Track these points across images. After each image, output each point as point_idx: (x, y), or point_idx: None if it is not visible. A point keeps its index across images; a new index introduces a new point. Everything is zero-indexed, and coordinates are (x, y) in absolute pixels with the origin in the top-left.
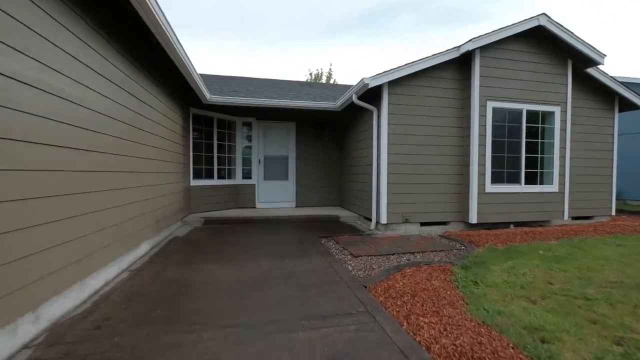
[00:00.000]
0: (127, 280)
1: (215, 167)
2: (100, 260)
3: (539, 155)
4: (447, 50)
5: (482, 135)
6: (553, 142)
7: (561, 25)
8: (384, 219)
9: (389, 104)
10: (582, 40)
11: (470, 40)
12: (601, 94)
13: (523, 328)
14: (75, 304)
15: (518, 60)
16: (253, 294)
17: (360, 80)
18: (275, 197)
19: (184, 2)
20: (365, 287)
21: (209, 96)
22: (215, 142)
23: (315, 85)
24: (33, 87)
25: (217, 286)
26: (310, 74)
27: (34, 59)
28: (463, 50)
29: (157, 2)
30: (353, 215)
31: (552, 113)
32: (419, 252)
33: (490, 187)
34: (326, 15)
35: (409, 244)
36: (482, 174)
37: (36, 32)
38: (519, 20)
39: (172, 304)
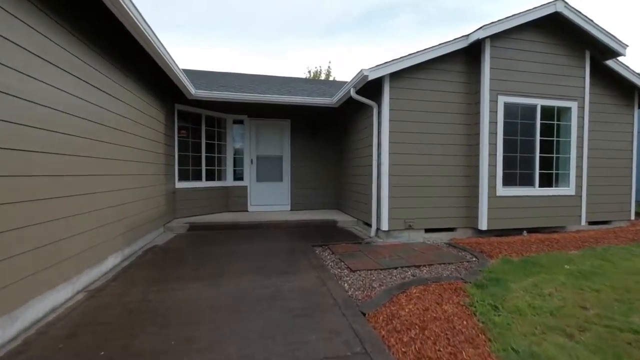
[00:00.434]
0: (79, 305)
1: (204, 167)
2: (45, 283)
3: (554, 155)
4: (454, 40)
5: (493, 133)
6: (569, 141)
7: (579, 12)
8: (385, 225)
9: (390, 98)
10: (602, 28)
11: (481, 27)
12: (619, 88)
13: None
14: None
15: (532, 51)
16: (228, 325)
17: (359, 72)
18: (269, 200)
19: (177, 2)
20: (364, 315)
21: (193, 91)
22: (204, 141)
23: (312, 82)
24: None
25: (187, 313)
26: (309, 72)
27: None
28: (472, 39)
29: None
30: (351, 220)
31: (568, 109)
32: (425, 266)
33: (501, 190)
34: (325, 15)
35: (413, 255)
36: (492, 176)
37: None
38: (534, 7)
39: (124, 341)
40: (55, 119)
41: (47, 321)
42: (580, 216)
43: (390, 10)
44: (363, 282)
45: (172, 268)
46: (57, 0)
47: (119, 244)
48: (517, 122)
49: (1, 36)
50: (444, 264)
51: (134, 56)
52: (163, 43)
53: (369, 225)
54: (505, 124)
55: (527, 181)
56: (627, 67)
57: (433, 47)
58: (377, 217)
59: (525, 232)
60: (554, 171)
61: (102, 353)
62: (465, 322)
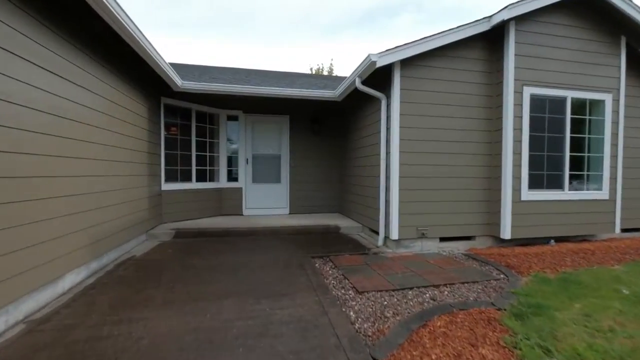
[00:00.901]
0: (7, 346)
1: (194, 167)
2: None
3: (586, 154)
4: (475, 22)
5: (517, 129)
6: (603, 138)
7: None
8: (394, 234)
9: (401, 89)
10: None
11: (505, 7)
12: None
13: None
14: None
15: (561, 36)
16: None
17: (366, 58)
18: (266, 203)
19: (175, 1)
20: None
21: (180, 82)
22: (194, 138)
23: (313, 76)
24: None
25: (143, 358)
26: (311, 69)
27: None
28: (496, 20)
29: None
30: (356, 226)
31: (601, 102)
32: (445, 285)
33: (527, 194)
34: (326, 15)
35: (430, 270)
36: (517, 178)
37: None
38: None
39: None
40: None
41: None
42: (614, 223)
43: (392, 9)
44: (373, 309)
45: (143, 287)
46: None
47: (82, 258)
48: (545, 116)
49: None
50: (467, 282)
51: (104, 39)
52: (142, 30)
53: (376, 232)
54: (531, 118)
55: (556, 184)
56: None
57: (450, 30)
58: (385, 223)
59: (552, 241)
60: (585, 172)
61: None
62: None
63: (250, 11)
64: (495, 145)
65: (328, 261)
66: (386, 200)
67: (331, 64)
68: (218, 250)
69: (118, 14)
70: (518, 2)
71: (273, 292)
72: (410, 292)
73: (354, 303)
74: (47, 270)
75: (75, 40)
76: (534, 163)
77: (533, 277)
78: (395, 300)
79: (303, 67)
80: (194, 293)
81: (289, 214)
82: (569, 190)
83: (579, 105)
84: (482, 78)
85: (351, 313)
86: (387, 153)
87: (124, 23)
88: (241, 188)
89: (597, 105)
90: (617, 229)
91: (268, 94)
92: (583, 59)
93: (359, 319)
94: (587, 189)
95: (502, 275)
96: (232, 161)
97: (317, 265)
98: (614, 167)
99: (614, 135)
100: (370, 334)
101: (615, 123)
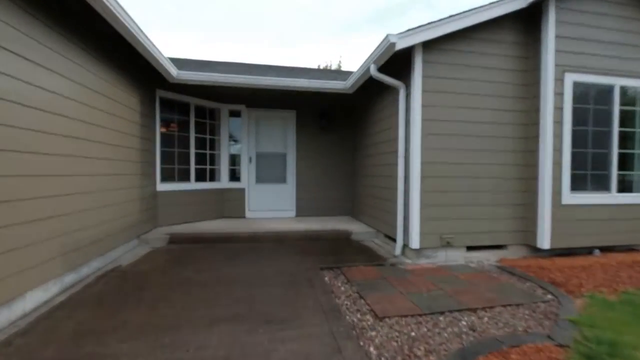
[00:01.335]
0: None
1: (193, 166)
2: None
3: (636, 151)
4: None
5: (557, 123)
6: None
7: None
8: (415, 242)
9: (423, 77)
10: None
11: None
12: None
13: None
14: None
15: (610, 15)
16: None
17: (384, 39)
18: (270, 205)
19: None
20: None
21: (175, 72)
22: (193, 135)
23: (321, 71)
24: None
25: None
26: (318, 67)
27: None
28: None
29: None
30: (369, 231)
31: None
32: (484, 309)
33: (568, 197)
34: (337, 13)
35: (461, 287)
36: (556, 178)
37: None
38: None
39: None
40: None
41: None
42: None
43: (401, 7)
44: (398, 343)
45: (120, 307)
46: None
47: (52, 271)
48: (589, 107)
49: None
50: (510, 305)
51: (79, 15)
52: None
53: (393, 239)
54: (574, 110)
55: (601, 185)
56: None
57: (480, 7)
58: (404, 230)
59: (597, 250)
60: (635, 172)
61: None
62: None
63: (258, 12)
64: (531, 140)
65: (339, 274)
66: (405, 204)
67: (339, 62)
68: (215, 260)
69: None
70: None
71: (275, 318)
72: (442, 319)
73: (373, 334)
74: (4, 288)
75: (38, 13)
76: (576, 161)
77: (589, 298)
78: (425, 329)
79: (310, 65)
80: (178, 316)
81: (295, 216)
82: (617, 192)
83: (629, 95)
84: (515, 64)
85: (371, 349)
86: (406, 150)
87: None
88: (244, 189)
89: None
90: None
91: (272, 85)
92: (635, 42)
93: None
94: (638, 192)
95: (549, 296)
96: (234, 160)
97: (327, 279)
98: None
99: None
100: None
101: None
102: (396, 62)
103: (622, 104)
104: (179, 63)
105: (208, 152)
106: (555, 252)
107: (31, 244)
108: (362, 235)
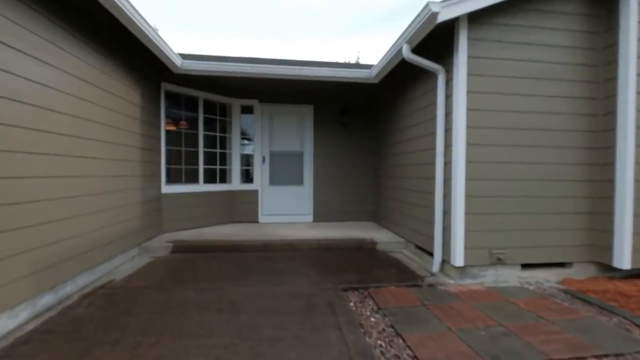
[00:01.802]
0: None
1: (201, 166)
2: None
3: None
4: None
5: None
6: None
7: None
8: (459, 258)
9: (469, 57)
10: None
11: None
12: None
13: None
14: None
15: None
16: None
17: (424, 8)
18: (285, 209)
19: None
20: None
21: (180, 62)
22: (202, 132)
23: (340, 65)
24: None
25: None
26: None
27: None
28: None
29: None
30: (397, 241)
31: None
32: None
33: None
34: (351, 12)
35: (526, 320)
36: (638, 181)
37: None
38: None
39: None
40: None
41: None
42: None
43: (416, 4)
44: None
45: (95, 342)
46: None
47: (20, 293)
48: None
49: None
50: (606, 356)
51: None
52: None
53: (428, 252)
54: None
55: None
56: None
57: None
58: (443, 242)
59: None
60: None
61: None
62: None
63: (271, 10)
64: (604, 135)
65: (367, 297)
66: (444, 211)
67: (358, 59)
68: (220, 274)
69: None
70: None
71: None
72: None
73: None
74: None
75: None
76: None
77: None
78: None
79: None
80: (163, 358)
81: (313, 221)
82: None
83: None
84: (583, 41)
85: None
86: (447, 147)
87: None
88: (257, 191)
89: None
90: None
91: (289, 75)
92: None
93: None
94: None
95: None
96: (246, 160)
97: (351, 304)
98: None
99: None
100: None
101: None
102: (434, 41)
103: None
104: (186, 58)
105: (218, 151)
106: (633, 273)
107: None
108: (388, 245)
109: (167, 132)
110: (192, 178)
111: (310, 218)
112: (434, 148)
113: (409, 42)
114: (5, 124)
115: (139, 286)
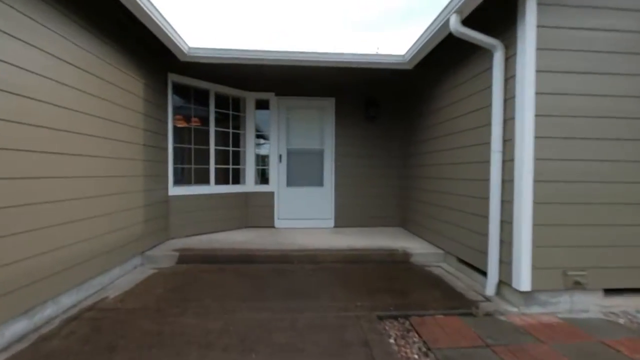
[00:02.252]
0: None
1: (212, 166)
2: None
3: None
4: None
5: None
6: None
7: None
8: (524, 281)
9: (538, 26)
10: None
11: None
12: None
13: None
14: None
15: None
16: None
17: None
18: (304, 212)
19: None
20: None
21: (187, 47)
22: (213, 128)
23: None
24: None
25: None
26: None
27: None
28: None
29: None
30: (434, 252)
31: None
32: None
33: None
34: (371, 11)
35: None
36: None
37: None
38: None
39: None
40: None
41: None
42: None
43: (434, 5)
44: None
45: None
46: None
47: None
48: None
49: None
50: None
51: None
52: None
53: (474, 267)
54: None
55: None
56: None
57: None
58: (500, 259)
59: None
60: None
61: None
62: None
63: (287, 9)
64: None
65: (410, 330)
66: (502, 221)
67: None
68: (229, 292)
69: None
70: None
71: None
72: None
73: None
74: None
75: None
76: None
77: None
78: None
79: None
80: None
81: (334, 227)
82: None
83: None
84: None
85: None
86: (507, 141)
87: None
88: (273, 192)
89: None
90: None
91: (310, 60)
92: None
93: None
94: None
95: None
96: (261, 159)
97: (391, 340)
98: None
99: None
100: None
101: None
102: (489, 11)
103: None
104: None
105: (231, 149)
106: None
107: None
108: (424, 258)
109: (175, 128)
110: (203, 179)
111: (331, 223)
112: (487, 143)
113: (458, 11)
114: None
115: (133, 308)
